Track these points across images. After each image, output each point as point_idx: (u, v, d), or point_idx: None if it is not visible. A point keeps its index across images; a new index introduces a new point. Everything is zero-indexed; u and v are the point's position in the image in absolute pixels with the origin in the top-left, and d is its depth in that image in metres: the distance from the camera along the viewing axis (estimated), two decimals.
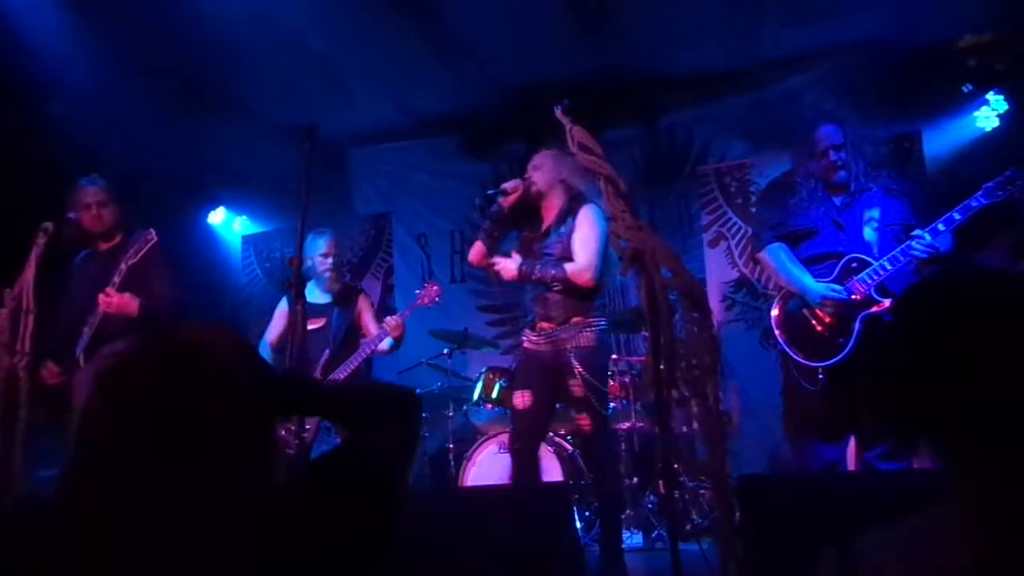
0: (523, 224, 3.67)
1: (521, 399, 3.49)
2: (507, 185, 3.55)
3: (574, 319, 3.41)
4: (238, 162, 6.14)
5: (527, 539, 2.28)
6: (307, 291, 4.20)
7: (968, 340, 0.93)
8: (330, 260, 4.19)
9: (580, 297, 3.43)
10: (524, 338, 3.62)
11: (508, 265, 3.49)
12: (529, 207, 3.61)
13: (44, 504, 1.17)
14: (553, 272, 3.39)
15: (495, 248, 3.63)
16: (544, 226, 3.59)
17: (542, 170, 3.57)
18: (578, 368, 3.32)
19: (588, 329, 3.40)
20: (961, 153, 5.12)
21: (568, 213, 3.51)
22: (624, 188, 2.27)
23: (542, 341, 3.48)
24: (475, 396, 4.90)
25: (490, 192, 3.61)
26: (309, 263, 4.18)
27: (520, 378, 3.61)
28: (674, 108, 6.07)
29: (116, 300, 3.51)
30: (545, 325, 3.48)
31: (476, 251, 3.67)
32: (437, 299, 4.23)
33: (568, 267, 3.39)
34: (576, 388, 3.33)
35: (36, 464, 3.36)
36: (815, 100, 5.35)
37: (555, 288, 3.41)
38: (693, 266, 5.45)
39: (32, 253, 3.39)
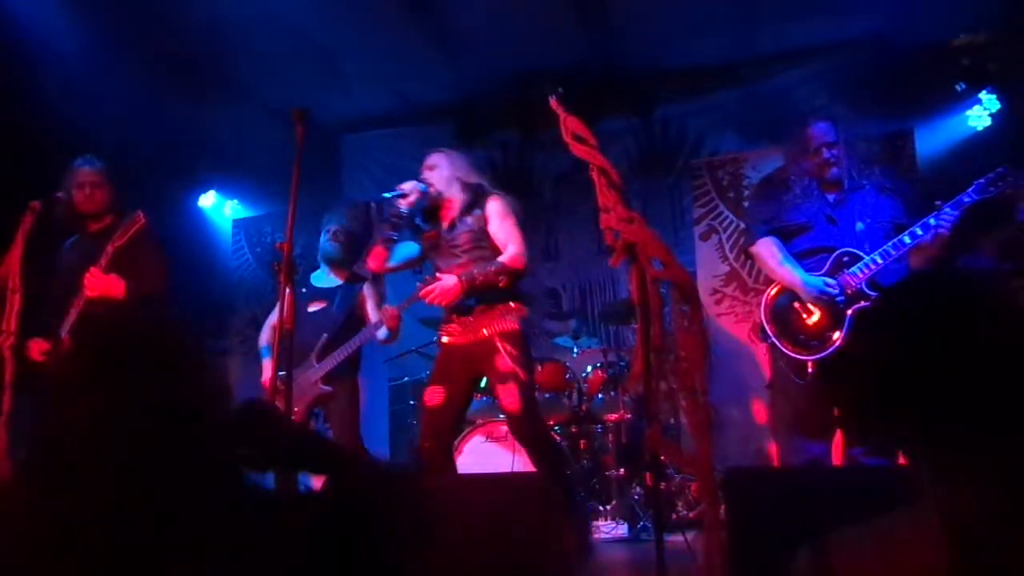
0: (423, 224, 3.66)
1: (431, 395, 3.46)
2: (404, 186, 3.51)
3: (497, 306, 3.42)
4: (230, 146, 6.10)
5: (513, 527, 2.28)
6: (313, 276, 4.34)
7: (941, 339, 0.93)
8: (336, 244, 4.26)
9: (503, 288, 3.42)
10: (441, 333, 3.61)
11: (446, 285, 3.38)
12: (427, 208, 3.61)
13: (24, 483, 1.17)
14: (493, 268, 3.36)
15: (393, 251, 3.59)
16: (446, 222, 3.57)
17: (437, 169, 3.57)
18: (504, 346, 3.32)
19: (511, 315, 3.42)
20: (953, 152, 5.14)
21: (474, 204, 3.52)
22: (617, 179, 2.26)
23: (462, 331, 3.47)
24: None
25: (386, 195, 3.57)
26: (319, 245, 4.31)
27: (434, 373, 3.57)
28: (669, 101, 6.07)
29: (101, 282, 3.47)
30: (462, 318, 3.47)
31: (376, 256, 3.58)
32: None
33: (503, 259, 3.39)
34: (501, 363, 3.31)
35: (20, 445, 3.34)
36: (809, 96, 5.36)
37: (501, 282, 3.38)
38: (684, 259, 5.45)
39: (19, 232, 3.36)
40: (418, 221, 3.65)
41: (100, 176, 3.71)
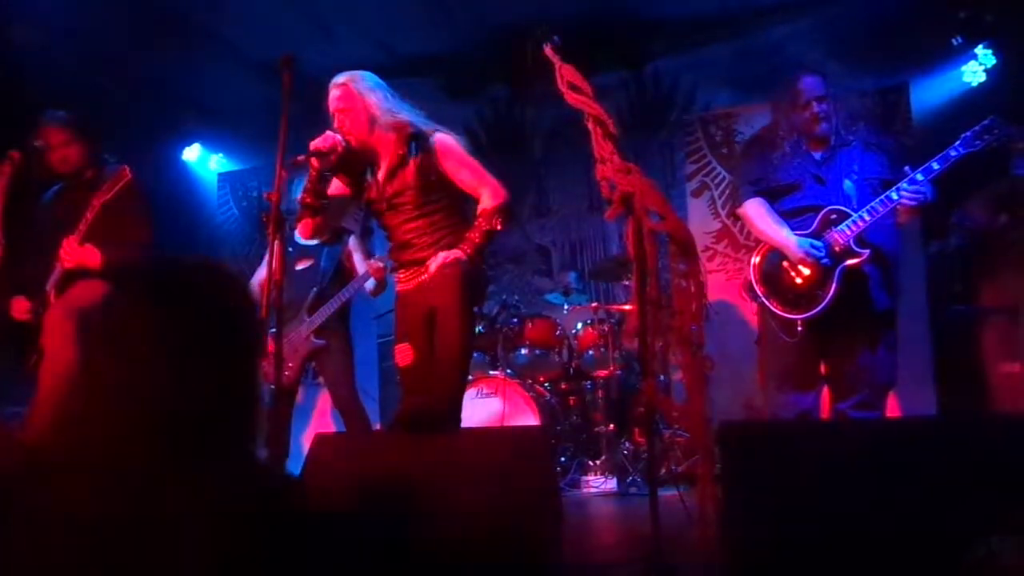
0: (349, 177, 3.13)
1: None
2: (319, 144, 2.91)
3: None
4: (215, 98, 5.99)
5: (504, 482, 2.27)
6: (296, 234, 4.21)
7: None
8: None
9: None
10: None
11: (450, 258, 2.84)
12: (351, 159, 3.04)
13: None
14: (484, 220, 2.92)
15: (327, 215, 3.07)
16: (382, 172, 3.04)
17: (352, 113, 2.99)
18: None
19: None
20: (947, 107, 5.09)
21: (409, 153, 2.97)
22: (612, 129, 2.22)
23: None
24: None
25: (299, 157, 2.90)
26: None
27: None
28: (661, 54, 5.98)
29: (76, 253, 3.33)
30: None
31: (304, 228, 3.07)
32: None
33: (487, 203, 2.95)
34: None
35: (2, 401, 3.31)
36: (803, 50, 5.29)
37: (497, 225, 2.92)
38: None
39: None
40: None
41: (69, 133, 3.51)
